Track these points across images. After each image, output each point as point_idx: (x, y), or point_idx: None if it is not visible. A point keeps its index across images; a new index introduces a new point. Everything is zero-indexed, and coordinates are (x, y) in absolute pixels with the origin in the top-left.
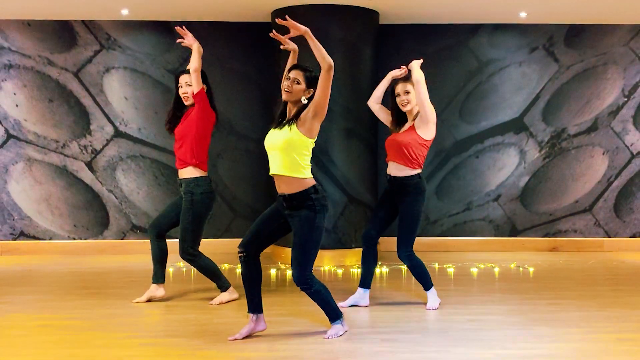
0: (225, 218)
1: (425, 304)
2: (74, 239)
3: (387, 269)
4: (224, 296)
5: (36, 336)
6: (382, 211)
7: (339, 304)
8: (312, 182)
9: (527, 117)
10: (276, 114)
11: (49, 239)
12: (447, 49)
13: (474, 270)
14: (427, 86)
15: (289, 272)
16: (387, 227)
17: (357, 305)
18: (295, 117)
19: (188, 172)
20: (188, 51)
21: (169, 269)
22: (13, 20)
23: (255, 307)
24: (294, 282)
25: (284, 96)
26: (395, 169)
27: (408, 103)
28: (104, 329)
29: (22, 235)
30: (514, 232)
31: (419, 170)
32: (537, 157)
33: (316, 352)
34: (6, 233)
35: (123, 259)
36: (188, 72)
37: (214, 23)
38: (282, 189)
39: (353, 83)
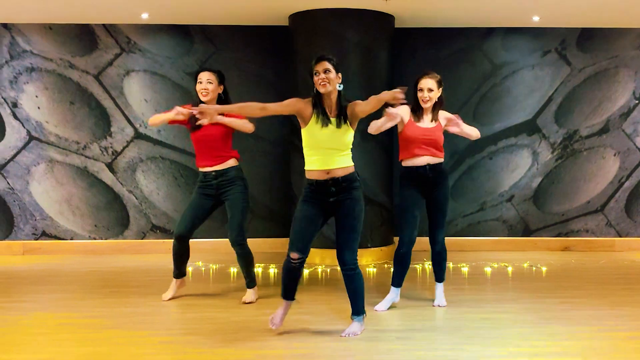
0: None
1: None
2: (95, 238)
3: None
4: (251, 295)
5: (57, 334)
6: (417, 210)
7: (376, 309)
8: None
9: (540, 119)
10: (307, 111)
11: (70, 239)
12: (461, 52)
13: (488, 270)
14: (443, 88)
15: (306, 272)
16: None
17: (394, 306)
18: (344, 116)
19: (232, 163)
20: (206, 54)
21: (188, 268)
22: (35, 24)
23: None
24: (343, 263)
25: (323, 89)
26: (431, 160)
27: (429, 100)
28: (124, 327)
29: (44, 235)
30: (527, 232)
31: None
32: (550, 158)
33: (333, 349)
34: (28, 233)
35: (143, 259)
36: (209, 70)
37: (232, 26)
38: (330, 174)
39: (369, 86)
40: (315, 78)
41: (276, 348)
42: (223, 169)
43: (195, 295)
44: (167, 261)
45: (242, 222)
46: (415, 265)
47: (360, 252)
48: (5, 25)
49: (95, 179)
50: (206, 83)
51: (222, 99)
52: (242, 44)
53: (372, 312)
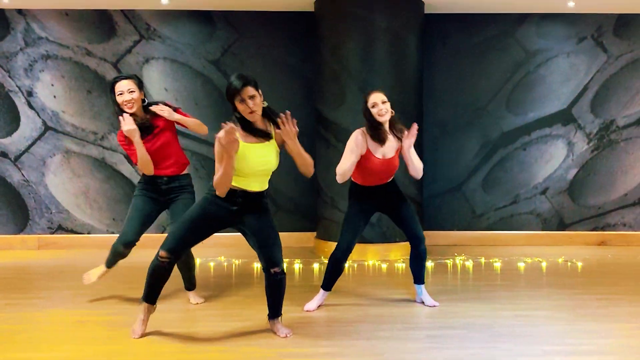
0: None
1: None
2: (113, 232)
3: (433, 263)
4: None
5: (74, 332)
6: (363, 220)
7: (306, 308)
8: None
9: (575, 108)
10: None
11: (87, 233)
12: (493, 38)
13: (521, 265)
14: (474, 76)
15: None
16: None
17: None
18: (268, 134)
19: (184, 170)
20: (229, 41)
21: (210, 264)
22: (51, 10)
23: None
24: (275, 267)
25: (252, 117)
26: (383, 182)
27: (387, 112)
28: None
29: (60, 229)
30: (561, 225)
31: None
32: (586, 149)
33: (360, 348)
34: (44, 227)
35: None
36: (125, 77)
37: (255, 12)
38: (251, 188)
39: (397, 73)
40: (245, 105)
41: (302, 347)
42: (176, 175)
43: (218, 292)
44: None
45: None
46: (446, 261)
47: (388, 246)
48: (19, 11)
49: (114, 171)
50: (128, 93)
51: (145, 104)
52: (266, 30)
53: (401, 308)
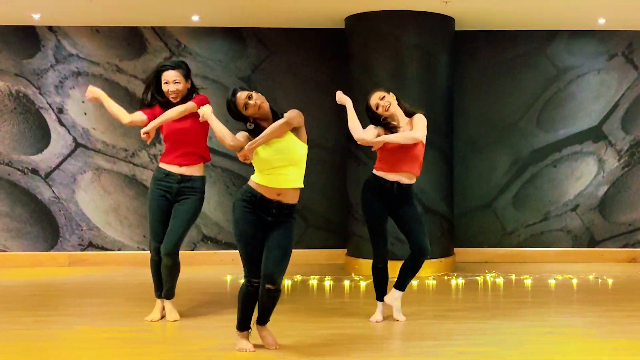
0: (298, 229)
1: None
2: (144, 249)
3: (463, 280)
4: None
5: (104, 349)
6: (384, 220)
7: (372, 320)
8: None
9: (606, 125)
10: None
11: (118, 250)
12: (523, 55)
13: (552, 282)
14: (505, 93)
15: (363, 284)
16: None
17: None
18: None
19: (198, 170)
20: (260, 58)
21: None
22: (82, 27)
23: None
24: (271, 284)
25: (261, 114)
26: (407, 179)
27: (389, 103)
28: (173, 342)
29: (91, 245)
30: (592, 242)
31: None
32: (616, 166)
33: None
34: (74, 244)
35: (193, 270)
36: (173, 67)
37: (286, 30)
38: (286, 198)
39: (428, 90)
40: (250, 111)
41: None
42: (190, 175)
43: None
44: (219, 272)
45: (183, 234)
46: (477, 278)
47: None
48: (50, 28)
49: (144, 188)
50: (173, 84)
51: (190, 94)
52: (296, 47)
53: (431, 325)
